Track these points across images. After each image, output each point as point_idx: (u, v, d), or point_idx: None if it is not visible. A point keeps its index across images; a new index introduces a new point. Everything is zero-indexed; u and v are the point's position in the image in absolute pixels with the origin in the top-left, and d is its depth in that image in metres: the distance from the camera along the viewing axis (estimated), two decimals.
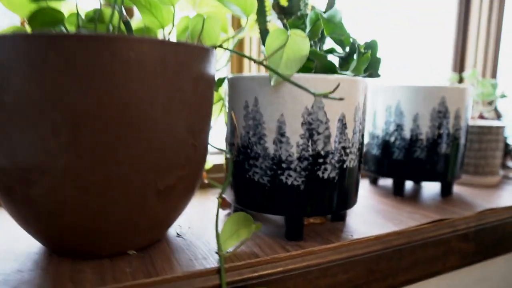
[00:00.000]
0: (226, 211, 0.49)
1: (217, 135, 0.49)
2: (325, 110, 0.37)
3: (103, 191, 0.30)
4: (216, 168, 0.62)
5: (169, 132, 0.32)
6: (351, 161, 0.40)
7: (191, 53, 0.32)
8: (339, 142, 0.38)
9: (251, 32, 0.56)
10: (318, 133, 0.37)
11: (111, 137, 0.29)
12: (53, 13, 0.36)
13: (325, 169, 0.38)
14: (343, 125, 0.38)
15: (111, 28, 0.36)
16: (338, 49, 0.45)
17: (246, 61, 0.65)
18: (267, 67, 0.35)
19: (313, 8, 0.41)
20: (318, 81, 0.36)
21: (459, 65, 0.95)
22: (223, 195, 0.47)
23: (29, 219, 0.32)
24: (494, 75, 0.95)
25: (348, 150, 0.39)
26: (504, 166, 0.82)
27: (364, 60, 0.40)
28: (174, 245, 0.38)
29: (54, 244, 0.34)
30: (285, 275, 0.36)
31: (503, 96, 0.77)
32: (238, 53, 0.36)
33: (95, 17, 0.37)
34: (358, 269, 0.41)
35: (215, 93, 0.42)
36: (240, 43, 0.65)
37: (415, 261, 0.46)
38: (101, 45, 0.27)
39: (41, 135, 0.28)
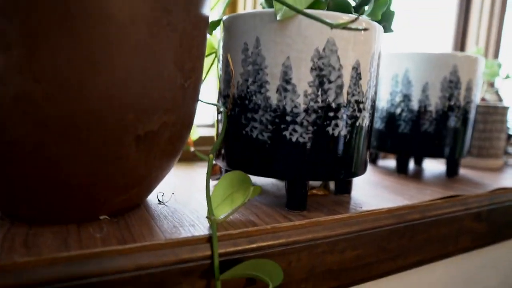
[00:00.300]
0: (216, 180, 0.43)
1: (207, 95, 0.43)
2: (339, 54, 0.31)
3: (67, 131, 0.24)
4: (203, 140, 0.56)
5: (154, 62, 0.25)
6: (364, 119, 0.35)
7: None
8: (353, 95, 0.33)
9: None
10: (330, 81, 0.31)
11: (81, 56, 0.23)
12: None
13: (336, 125, 0.32)
14: (357, 75, 0.33)
15: None
16: None
17: (240, 5, 0.58)
18: None
19: None
20: (333, 18, 0.31)
21: (460, 45, 0.91)
22: (213, 162, 0.41)
23: None
24: (496, 56, 0.92)
25: (361, 106, 0.34)
26: (504, 152, 0.78)
27: (382, 4, 0.34)
28: (155, 212, 0.32)
29: (4, 204, 0.27)
30: (288, 247, 0.31)
31: (507, 77, 0.73)
32: None
33: None
34: (368, 246, 0.36)
35: (207, 42, 0.36)
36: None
37: (427, 240, 0.41)
38: None
39: None
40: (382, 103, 0.54)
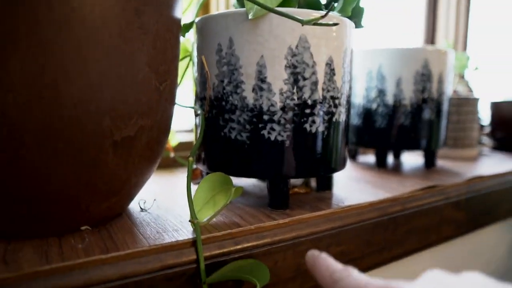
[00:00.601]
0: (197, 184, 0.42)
1: (184, 99, 0.43)
2: (311, 51, 0.32)
3: (43, 140, 0.23)
4: (182, 145, 0.55)
5: (127, 65, 0.25)
6: (341, 114, 0.35)
7: None
8: (328, 91, 0.33)
9: None
10: (304, 78, 0.32)
11: (52, 63, 0.22)
12: None
13: (313, 122, 0.33)
14: (331, 71, 0.33)
15: None
16: None
17: (213, 7, 0.58)
18: None
19: None
20: (304, 15, 0.31)
21: (431, 39, 0.94)
22: (194, 166, 0.41)
23: None
24: (465, 49, 0.95)
25: (337, 101, 0.34)
26: (478, 142, 0.80)
27: (351, 0, 0.35)
28: (138, 219, 0.31)
29: None
30: (273, 247, 0.31)
31: (476, 69, 0.75)
32: None
33: None
34: (353, 240, 0.36)
35: (180, 45, 0.36)
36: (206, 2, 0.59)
37: (410, 231, 0.41)
38: None
39: None
40: (358, 99, 0.55)
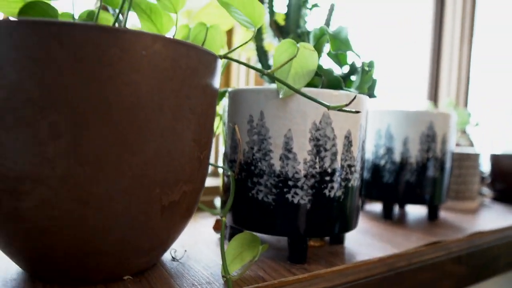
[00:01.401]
0: (219, 234, 0.46)
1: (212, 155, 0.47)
2: (333, 126, 0.36)
3: (104, 205, 0.27)
4: (204, 191, 0.59)
5: (177, 142, 0.29)
6: (355, 180, 0.39)
7: (202, 58, 0.31)
8: (345, 160, 0.37)
9: (243, 50, 0.56)
10: (326, 150, 0.36)
11: (117, 143, 0.26)
12: (46, 9, 0.34)
13: (332, 188, 0.37)
14: (349, 142, 0.37)
15: None
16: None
17: (233, 77, 0.64)
18: (276, 79, 0.34)
19: (321, 27, 0.41)
20: (327, 96, 0.35)
21: (434, 94, 0.99)
22: (218, 217, 0.44)
23: (13, 238, 0.28)
24: (465, 105, 1.00)
25: (353, 169, 0.38)
26: (479, 193, 0.84)
27: (368, 79, 0.40)
28: (171, 269, 0.35)
29: (40, 268, 0.30)
30: None
31: (477, 125, 0.79)
32: (247, 64, 0.35)
33: (92, 19, 0.35)
34: None
35: None
36: (228, 64, 0.64)
37: (415, 285, 0.45)
38: (111, 39, 0.25)
39: (38, 138, 0.25)
40: (368, 155, 0.59)
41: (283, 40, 0.35)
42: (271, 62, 0.52)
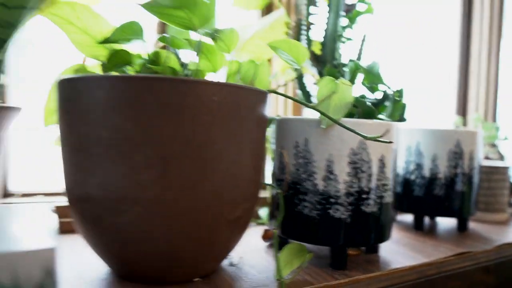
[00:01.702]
0: (268, 242, 0.52)
1: None
2: (368, 151, 0.42)
3: (184, 221, 0.34)
4: None
5: (241, 168, 0.36)
6: (389, 196, 0.44)
7: (257, 97, 0.37)
8: (380, 180, 0.43)
9: (283, 78, 0.62)
10: (362, 172, 0.42)
11: (194, 171, 0.33)
12: (125, 55, 0.41)
13: (368, 204, 0.42)
14: (382, 164, 0.43)
15: (170, 68, 0.41)
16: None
17: (273, 100, 0.70)
18: (319, 111, 0.40)
19: (352, 60, 0.46)
20: (362, 125, 0.41)
21: (462, 109, 1.02)
22: (266, 228, 0.51)
23: (111, 245, 0.35)
24: (494, 119, 1.03)
25: (386, 187, 0.44)
26: (509, 204, 0.87)
27: (399, 107, 0.45)
28: (231, 274, 0.41)
29: (128, 270, 0.37)
30: None
31: (505, 138, 0.83)
32: (293, 98, 0.41)
33: (162, 60, 0.42)
34: None
35: None
36: None
37: None
38: (189, 88, 0.32)
39: (134, 168, 0.32)
40: (399, 170, 0.64)
41: (324, 77, 0.41)
42: (307, 87, 0.58)
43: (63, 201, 0.54)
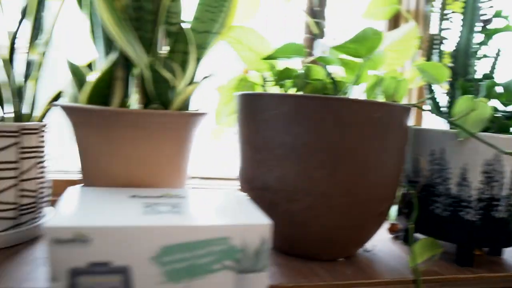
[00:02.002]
0: (393, 235, 0.59)
1: None
2: (503, 163, 0.46)
3: (345, 211, 0.42)
4: None
5: (390, 171, 0.43)
6: None
7: (403, 112, 0.44)
8: (510, 189, 0.47)
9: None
10: (495, 181, 0.46)
11: (357, 173, 0.41)
12: (289, 72, 0.51)
13: (498, 210, 0.47)
14: None
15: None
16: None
17: None
18: (459, 126, 0.45)
19: (487, 76, 0.51)
20: (497, 139, 0.46)
21: None
22: (393, 222, 0.57)
23: (281, 227, 0.45)
24: None
25: None
26: None
27: None
28: (367, 258, 0.49)
29: (289, 246, 0.47)
30: None
31: None
32: (433, 111, 0.47)
33: (327, 81, 0.50)
34: None
35: None
36: None
37: None
38: (360, 107, 0.40)
39: (309, 168, 0.41)
40: None
41: (463, 96, 0.46)
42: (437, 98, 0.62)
43: (235, 185, 0.66)
